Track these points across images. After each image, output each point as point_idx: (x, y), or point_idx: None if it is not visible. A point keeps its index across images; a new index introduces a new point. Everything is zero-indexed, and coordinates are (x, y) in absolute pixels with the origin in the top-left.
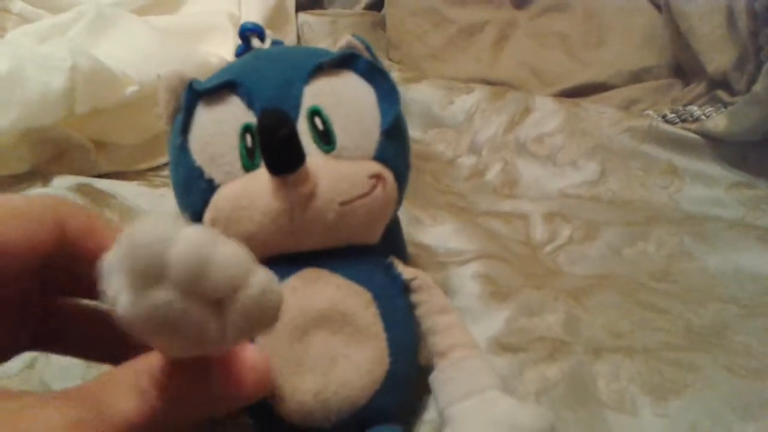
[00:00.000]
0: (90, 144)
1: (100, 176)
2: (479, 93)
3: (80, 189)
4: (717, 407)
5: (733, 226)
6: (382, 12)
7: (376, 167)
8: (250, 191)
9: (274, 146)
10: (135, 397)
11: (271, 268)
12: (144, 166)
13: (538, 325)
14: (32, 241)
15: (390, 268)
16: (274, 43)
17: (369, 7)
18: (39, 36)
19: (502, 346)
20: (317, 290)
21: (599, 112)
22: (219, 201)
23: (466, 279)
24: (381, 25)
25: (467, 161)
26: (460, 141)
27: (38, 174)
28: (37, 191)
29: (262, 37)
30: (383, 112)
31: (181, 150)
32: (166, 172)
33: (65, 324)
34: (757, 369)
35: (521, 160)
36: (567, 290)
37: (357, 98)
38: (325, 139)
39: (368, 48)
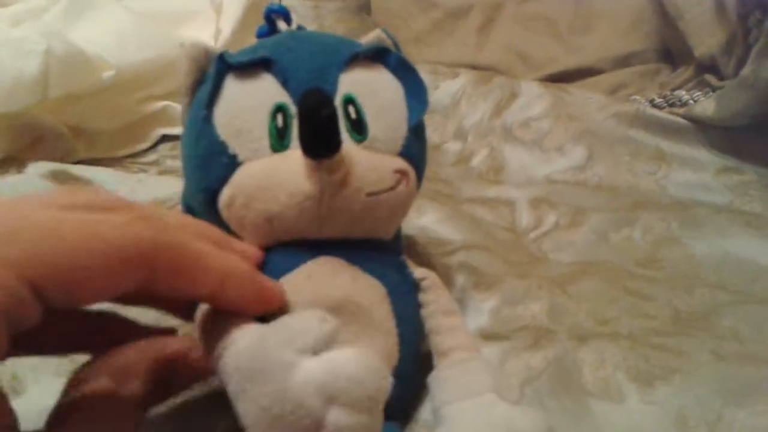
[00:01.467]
0: (66, 130)
1: (77, 163)
2: (465, 78)
3: (55, 176)
4: (705, 393)
5: (720, 211)
6: None
7: (402, 163)
8: (279, 171)
9: (315, 128)
10: None
11: (287, 253)
12: (122, 152)
13: (522, 314)
14: (118, 284)
15: (402, 266)
16: (299, 27)
17: None
18: (13, 19)
19: (486, 336)
20: (332, 279)
21: (586, 97)
22: (243, 178)
23: (450, 270)
24: (366, 9)
25: (453, 147)
26: (446, 126)
27: (12, 160)
28: (11, 178)
29: (288, 20)
30: (411, 109)
31: (205, 122)
32: (144, 158)
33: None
34: (746, 354)
35: (507, 145)
36: (551, 278)
37: (388, 92)
38: (358, 128)
39: (396, 44)
